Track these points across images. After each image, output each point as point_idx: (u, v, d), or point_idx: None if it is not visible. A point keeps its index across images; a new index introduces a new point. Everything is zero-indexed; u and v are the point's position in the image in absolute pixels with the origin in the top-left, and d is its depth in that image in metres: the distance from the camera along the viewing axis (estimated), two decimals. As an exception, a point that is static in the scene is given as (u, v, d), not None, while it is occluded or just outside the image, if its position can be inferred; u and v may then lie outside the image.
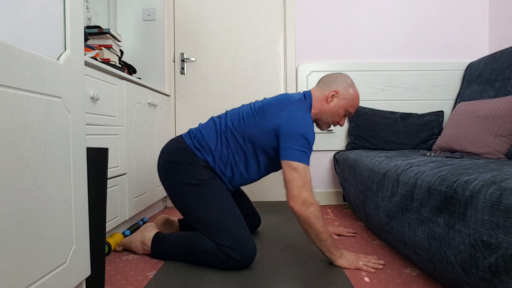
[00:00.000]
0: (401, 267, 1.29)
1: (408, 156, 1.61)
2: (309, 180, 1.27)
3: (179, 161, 1.34)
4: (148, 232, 1.43)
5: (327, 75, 1.47)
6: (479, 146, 1.68)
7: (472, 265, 0.86)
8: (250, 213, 1.69)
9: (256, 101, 1.45)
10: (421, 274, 1.22)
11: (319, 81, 1.47)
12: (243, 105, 1.46)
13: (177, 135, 2.47)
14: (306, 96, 1.41)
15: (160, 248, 1.36)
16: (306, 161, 1.27)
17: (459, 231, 0.91)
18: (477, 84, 2.13)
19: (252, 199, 2.50)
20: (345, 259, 1.29)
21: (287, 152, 1.26)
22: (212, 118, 1.45)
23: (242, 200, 1.69)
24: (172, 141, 1.43)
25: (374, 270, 1.25)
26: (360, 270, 1.25)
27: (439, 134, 2.19)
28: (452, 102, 2.37)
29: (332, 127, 1.49)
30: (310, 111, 1.40)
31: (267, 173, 1.46)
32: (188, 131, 1.44)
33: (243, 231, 1.26)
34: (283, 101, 1.36)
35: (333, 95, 1.39)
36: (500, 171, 0.93)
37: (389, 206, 1.31)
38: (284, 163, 1.27)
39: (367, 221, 1.66)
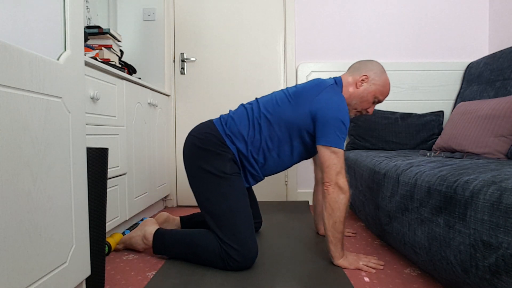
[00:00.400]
0: (401, 267, 1.29)
1: (408, 156, 1.61)
2: (344, 166, 1.29)
3: (207, 148, 1.32)
4: (149, 227, 1.42)
5: (358, 61, 1.46)
6: (479, 146, 1.68)
7: (472, 265, 0.86)
8: (256, 216, 1.69)
9: (288, 87, 1.44)
10: (421, 274, 1.22)
11: (350, 67, 1.46)
12: (274, 92, 1.45)
13: (177, 135, 2.47)
14: (337, 81, 1.41)
15: (162, 244, 1.35)
16: (343, 146, 1.28)
17: (459, 231, 0.91)
18: (477, 84, 2.12)
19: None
20: (346, 259, 1.29)
21: (326, 137, 1.27)
22: (242, 105, 1.43)
23: (251, 201, 1.68)
24: (202, 125, 1.40)
25: (374, 271, 1.25)
26: (361, 270, 1.25)
27: (439, 134, 2.19)
28: (452, 102, 2.37)
29: (360, 114, 1.46)
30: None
31: (299, 159, 1.45)
32: (220, 117, 1.42)
33: (249, 233, 1.25)
34: (317, 85, 1.36)
35: (362, 80, 1.38)
36: (500, 171, 0.93)
37: (389, 206, 1.31)
38: (322, 148, 1.28)
39: (367, 221, 1.66)
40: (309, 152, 1.43)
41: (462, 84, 2.34)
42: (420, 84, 2.39)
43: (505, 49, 1.97)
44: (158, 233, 1.38)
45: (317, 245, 1.53)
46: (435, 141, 2.10)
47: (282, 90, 1.42)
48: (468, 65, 2.31)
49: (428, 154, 1.71)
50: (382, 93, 1.39)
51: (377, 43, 2.42)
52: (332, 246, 1.28)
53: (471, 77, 2.22)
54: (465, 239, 0.88)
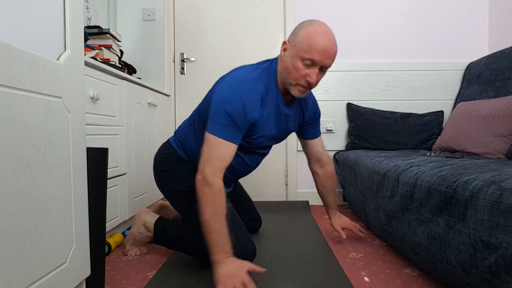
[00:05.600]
0: (401, 267, 1.29)
1: (408, 156, 1.61)
2: (219, 156, 1.07)
3: (168, 169, 1.33)
4: (146, 217, 1.40)
5: None
6: (479, 146, 1.68)
7: (472, 265, 0.86)
8: (251, 218, 1.68)
9: None
10: (421, 274, 1.22)
11: None
12: None
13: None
14: (273, 61, 1.22)
15: (164, 237, 1.35)
16: (222, 134, 1.07)
17: (459, 231, 0.91)
18: (477, 84, 2.13)
19: (252, 199, 2.50)
20: (224, 268, 1.03)
21: (208, 122, 1.11)
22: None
23: (242, 203, 1.66)
24: (162, 146, 1.41)
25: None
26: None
27: (439, 134, 2.19)
28: (452, 102, 2.37)
29: (305, 88, 1.15)
30: (271, 78, 1.19)
31: (246, 154, 1.31)
32: (174, 132, 1.41)
33: (240, 235, 1.21)
34: (233, 71, 1.20)
35: (284, 49, 1.16)
36: (500, 171, 0.93)
37: (389, 206, 1.31)
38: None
39: (367, 221, 1.66)
40: (251, 145, 1.27)
41: (462, 84, 2.34)
42: (420, 84, 2.39)
43: (505, 49, 1.97)
44: (159, 225, 1.36)
45: (317, 245, 1.53)
46: (435, 141, 2.10)
47: None
48: (468, 65, 2.31)
49: (428, 154, 1.71)
50: (308, 49, 1.08)
51: (377, 43, 2.42)
52: (210, 243, 1.06)
53: (471, 77, 2.22)
54: (465, 239, 0.88)
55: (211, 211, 1.05)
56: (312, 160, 1.54)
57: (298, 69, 1.11)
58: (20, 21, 0.74)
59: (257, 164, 1.41)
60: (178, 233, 1.32)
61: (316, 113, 1.43)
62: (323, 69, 1.13)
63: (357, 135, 2.29)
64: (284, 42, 1.16)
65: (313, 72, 1.11)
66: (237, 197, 1.65)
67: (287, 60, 1.14)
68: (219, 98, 1.10)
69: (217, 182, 1.06)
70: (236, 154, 1.27)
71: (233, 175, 1.38)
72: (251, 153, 1.33)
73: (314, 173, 1.56)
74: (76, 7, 0.94)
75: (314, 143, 1.50)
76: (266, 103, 1.18)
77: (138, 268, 1.30)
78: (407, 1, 2.41)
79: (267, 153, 1.42)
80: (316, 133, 1.49)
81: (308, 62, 1.09)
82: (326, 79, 2.42)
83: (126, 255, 1.44)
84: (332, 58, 1.11)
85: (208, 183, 1.05)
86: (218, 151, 1.07)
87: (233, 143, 1.10)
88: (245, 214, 1.63)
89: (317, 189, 1.59)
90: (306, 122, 1.41)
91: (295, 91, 1.16)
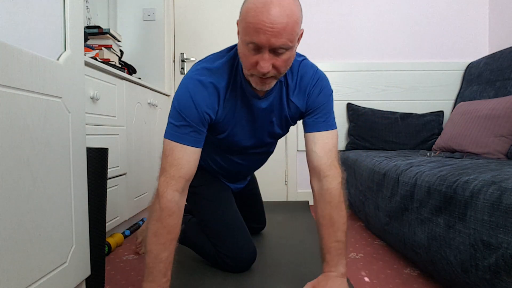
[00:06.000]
0: (401, 267, 1.29)
1: (408, 156, 1.61)
2: (174, 163, 0.91)
3: None
4: None
5: None
6: (479, 146, 1.68)
7: (472, 265, 0.86)
8: (256, 220, 1.62)
9: None
10: (421, 274, 1.22)
11: None
12: None
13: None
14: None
15: (189, 238, 1.29)
16: (174, 137, 0.92)
17: (459, 231, 0.91)
18: (477, 84, 2.13)
19: (252, 199, 2.50)
20: None
21: None
22: None
23: (251, 204, 1.56)
24: None
25: None
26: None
27: (439, 134, 2.19)
28: (452, 102, 2.37)
29: (263, 80, 0.90)
30: (235, 67, 0.99)
31: (233, 159, 1.22)
32: None
33: (239, 239, 1.19)
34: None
35: (238, 31, 0.90)
36: (500, 171, 0.93)
37: (389, 206, 1.31)
38: None
39: (367, 221, 1.66)
40: (231, 147, 1.16)
41: (462, 84, 2.34)
42: (420, 84, 2.39)
43: (505, 49, 1.97)
44: (186, 225, 1.29)
45: (317, 245, 1.53)
46: (435, 141, 2.10)
47: None
48: (468, 65, 2.31)
49: (428, 154, 1.71)
50: (246, 30, 0.83)
51: (378, 43, 2.42)
52: (145, 267, 0.91)
53: (471, 77, 2.22)
54: (465, 239, 0.88)
55: (154, 230, 0.89)
56: (309, 167, 1.06)
57: (247, 57, 0.87)
58: (20, 21, 0.74)
59: (258, 162, 1.30)
60: (202, 239, 1.28)
61: (319, 99, 1.03)
62: (278, 51, 0.83)
63: (357, 135, 2.29)
64: (237, 23, 0.89)
65: (262, 58, 0.83)
66: (248, 195, 1.54)
67: (239, 46, 0.91)
68: (174, 97, 0.97)
69: (169, 195, 0.89)
70: (224, 155, 1.21)
71: (230, 174, 1.31)
72: (242, 154, 1.20)
73: (312, 191, 1.06)
74: (76, 7, 0.94)
75: (310, 139, 1.03)
76: (230, 97, 0.99)
77: (138, 268, 1.30)
78: (407, 1, 2.41)
79: (267, 151, 1.26)
80: (316, 125, 1.03)
81: (252, 46, 0.84)
82: (326, 79, 2.41)
83: (139, 247, 1.42)
84: (280, 35, 0.80)
85: (158, 195, 0.90)
86: (173, 157, 0.92)
87: (190, 145, 0.93)
88: (250, 215, 1.57)
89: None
90: (306, 111, 1.06)
91: (254, 83, 0.92)
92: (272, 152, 1.30)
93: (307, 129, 1.05)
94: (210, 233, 1.24)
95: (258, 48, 0.83)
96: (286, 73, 0.99)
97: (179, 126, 0.93)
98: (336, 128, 1.04)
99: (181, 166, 0.92)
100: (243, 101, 1.02)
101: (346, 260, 0.99)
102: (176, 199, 0.91)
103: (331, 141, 1.02)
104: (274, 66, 0.86)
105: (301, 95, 1.04)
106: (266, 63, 0.84)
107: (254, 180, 1.60)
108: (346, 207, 1.01)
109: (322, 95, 1.04)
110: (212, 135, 1.08)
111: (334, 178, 1.00)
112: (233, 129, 1.06)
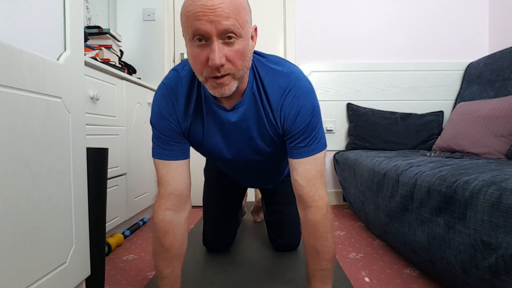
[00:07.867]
0: (401, 267, 1.29)
1: (408, 156, 1.61)
2: (161, 181, 0.90)
3: None
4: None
5: None
6: (479, 146, 1.68)
7: (472, 265, 0.86)
8: (278, 236, 1.46)
9: None
10: (421, 274, 1.22)
11: None
12: None
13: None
14: None
15: None
16: (155, 154, 0.90)
17: (459, 231, 0.91)
18: (477, 84, 2.13)
19: (250, 199, 2.50)
20: None
21: None
22: None
23: (272, 218, 1.46)
24: None
25: None
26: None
27: (439, 134, 2.19)
28: (452, 102, 2.37)
29: (215, 78, 0.77)
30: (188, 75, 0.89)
31: (233, 169, 1.15)
32: None
33: (212, 229, 1.40)
34: None
35: (183, 34, 0.80)
36: (500, 171, 0.93)
37: (389, 206, 1.31)
38: None
39: (367, 221, 1.66)
40: (222, 163, 1.12)
41: (462, 84, 2.33)
42: (420, 84, 2.38)
43: (505, 49, 1.97)
44: None
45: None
46: (435, 141, 2.10)
47: None
48: (468, 65, 2.30)
49: (428, 154, 1.71)
50: (187, 22, 0.74)
51: (377, 42, 2.42)
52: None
53: (471, 77, 2.22)
54: (465, 239, 0.88)
55: (154, 248, 0.92)
56: (296, 195, 0.95)
57: (196, 58, 0.76)
58: (20, 21, 0.74)
59: (263, 172, 1.17)
60: None
61: (296, 123, 0.88)
62: (228, 38, 0.73)
63: (357, 135, 2.29)
64: (181, 25, 0.79)
65: (211, 49, 0.73)
66: (274, 211, 1.41)
67: (187, 54, 0.79)
68: None
69: (160, 215, 0.89)
70: (218, 164, 1.15)
71: (234, 178, 1.24)
72: (233, 167, 1.11)
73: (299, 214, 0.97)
74: (76, 7, 0.94)
75: (292, 165, 0.92)
76: (195, 108, 0.90)
77: (138, 268, 1.30)
78: (407, 1, 2.41)
79: (267, 161, 1.07)
80: (296, 151, 0.89)
81: (197, 40, 0.74)
82: (326, 79, 2.41)
83: (256, 221, 1.87)
84: (225, 14, 0.71)
85: (153, 216, 0.91)
86: (159, 175, 0.90)
87: (171, 160, 0.88)
88: (274, 230, 1.44)
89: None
90: (284, 135, 0.91)
91: (211, 89, 0.79)
92: (280, 156, 1.06)
93: (288, 154, 0.93)
94: (203, 211, 1.46)
95: (205, 39, 0.73)
96: (257, 85, 0.87)
97: (157, 142, 0.90)
98: (322, 149, 0.91)
99: (167, 183, 0.89)
100: (210, 113, 0.90)
101: (331, 284, 0.95)
102: (168, 218, 0.89)
103: (314, 167, 0.89)
104: (227, 59, 0.74)
105: (276, 113, 0.89)
106: (217, 54, 0.72)
107: (283, 199, 1.39)
108: (332, 236, 0.91)
109: (300, 117, 0.87)
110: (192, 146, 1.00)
111: (318, 210, 0.89)
112: (207, 144, 0.96)
